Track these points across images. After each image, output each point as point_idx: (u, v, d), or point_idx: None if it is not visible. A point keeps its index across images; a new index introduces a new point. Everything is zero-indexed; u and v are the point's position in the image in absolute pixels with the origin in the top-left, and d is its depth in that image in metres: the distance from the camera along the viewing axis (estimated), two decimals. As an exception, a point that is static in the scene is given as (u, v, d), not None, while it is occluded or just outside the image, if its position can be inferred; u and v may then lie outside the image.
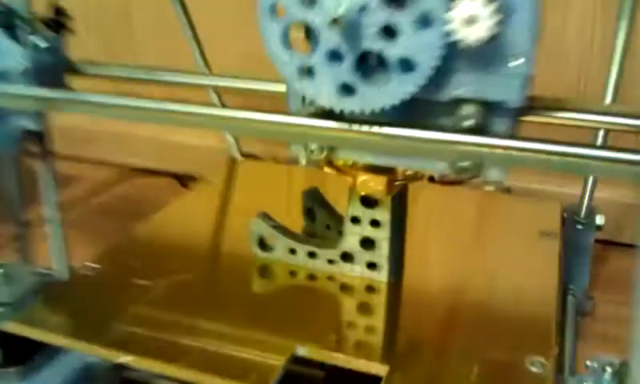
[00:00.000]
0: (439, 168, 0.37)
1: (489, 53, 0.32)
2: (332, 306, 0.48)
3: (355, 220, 0.49)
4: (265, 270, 0.52)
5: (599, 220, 0.64)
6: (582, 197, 0.64)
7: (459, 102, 0.34)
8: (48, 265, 0.55)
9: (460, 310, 0.48)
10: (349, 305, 0.48)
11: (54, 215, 0.55)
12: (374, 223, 0.49)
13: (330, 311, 0.48)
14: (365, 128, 0.36)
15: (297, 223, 0.56)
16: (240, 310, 0.47)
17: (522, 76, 0.33)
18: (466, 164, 0.35)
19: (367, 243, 0.49)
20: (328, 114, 0.37)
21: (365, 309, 0.48)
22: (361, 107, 0.35)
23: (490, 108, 0.34)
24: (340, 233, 0.53)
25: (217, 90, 0.67)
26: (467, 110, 0.34)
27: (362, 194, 0.45)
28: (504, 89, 0.33)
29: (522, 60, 0.32)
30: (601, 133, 0.59)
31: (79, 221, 0.86)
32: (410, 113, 0.36)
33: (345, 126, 0.36)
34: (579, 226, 0.64)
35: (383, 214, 0.48)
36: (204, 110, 0.41)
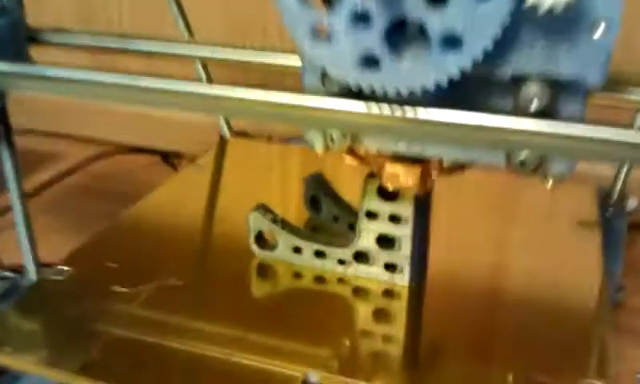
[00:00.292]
0: (493, 161, 0.30)
1: (563, 20, 0.25)
2: (344, 315, 0.42)
3: (372, 214, 0.42)
4: (264, 271, 0.45)
5: (632, 203, 0.60)
6: (616, 178, 0.58)
7: (521, 80, 0.28)
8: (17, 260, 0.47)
9: (496, 320, 0.41)
10: (364, 313, 0.42)
11: (18, 206, 0.47)
12: (394, 218, 0.42)
13: (342, 322, 0.41)
14: (399, 112, 0.29)
15: (298, 214, 0.49)
16: (236, 322, 0.40)
17: (605, 48, 0.26)
18: (525, 155, 0.28)
19: (386, 241, 0.42)
20: (354, 94, 0.30)
21: (383, 318, 0.41)
22: (395, 85, 0.28)
23: (559, 88, 0.27)
24: (350, 226, 0.46)
25: (204, 61, 0.59)
26: (530, 90, 0.28)
27: (389, 187, 0.38)
28: (581, 64, 0.26)
29: (605, 28, 0.25)
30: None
31: (55, 203, 0.78)
32: (456, 93, 0.29)
33: (374, 109, 0.29)
34: (611, 210, 0.58)
35: (405, 208, 0.41)
36: (191, 88, 0.33)
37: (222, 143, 0.66)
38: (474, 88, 0.29)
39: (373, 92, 0.29)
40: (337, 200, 0.49)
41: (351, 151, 0.37)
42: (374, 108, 0.30)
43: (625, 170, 0.57)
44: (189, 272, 0.45)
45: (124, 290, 0.42)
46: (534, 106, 0.28)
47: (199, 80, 0.61)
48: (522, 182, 0.58)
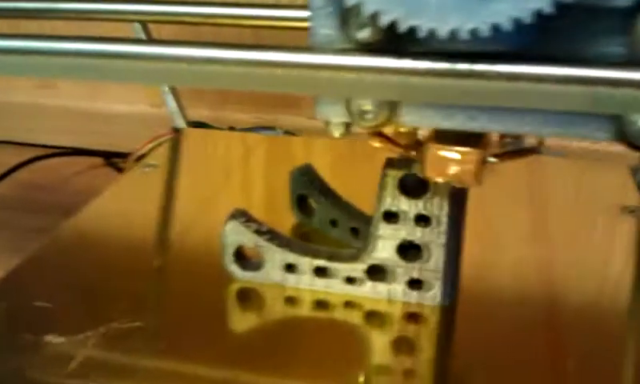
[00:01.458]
0: (596, 134, 0.22)
1: None
2: (356, 349, 0.32)
3: (392, 216, 0.32)
4: (248, 298, 0.35)
5: None
6: None
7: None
8: None
9: (552, 344, 0.31)
10: (382, 346, 0.32)
11: None
12: (422, 220, 0.31)
13: (353, 358, 0.31)
14: (464, 65, 0.20)
15: (281, 219, 0.40)
16: (216, 370, 0.30)
17: None
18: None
19: (410, 251, 0.32)
20: (394, 46, 0.20)
21: (407, 350, 0.32)
22: (455, 24, 0.19)
23: None
24: (353, 231, 0.36)
25: (145, 22, 0.47)
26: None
27: (438, 179, 0.27)
28: None
29: None
30: None
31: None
32: (544, 39, 0.21)
33: (431, 65, 0.19)
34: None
35: (437, 206, 0.31)
36: (141, 49, 0.23)
37: (177, 136, 0.55)
38: (567, 29, 0.21)
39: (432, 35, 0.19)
40: (333, 198, 0.38)
41: (378, 132, 0.26)
42: (428, 63, 0.20)
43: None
44: (148, 306, 0.34)
45: (60, 339, 0.31)
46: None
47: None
48: (549, 164, 0.50)
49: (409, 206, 0.31)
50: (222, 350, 0.31)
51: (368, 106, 0.23)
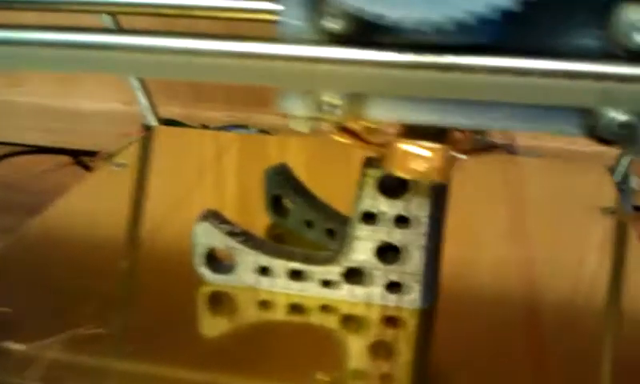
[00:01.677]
0: (567, 130, 0.22)
1: None
2: (332, 355, 0.31)
3: (369, 217, 0.30)
4: (219, 303, 0.33)
5: (634, 183, 0.53)
6: (621, 156, 0.51)
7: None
8: None
9: (536, 347, 0.31)
10: (359, 350, 0.31)
11: None
12: (401, 221, 0.30)
13: (330, 364, 0.30)
14: (431, 58, 0.20)
15: (254, 220, 0.38)
16: (186, 379, 0.28)
17: None
18: (627, 119, 0.20)
19: (389, 253, 0.31)
20: (362, 38, 0.20)
21: (386, 355, 0.30)
22: (423, 15, 0.18)
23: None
24: (329, 233, 0.34)
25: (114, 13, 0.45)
26: (631, 15, 0.19)
27: (400, 175, 0.26)
28: None
29: None
30: None
31: None
32: (515, 31, 0.20)
33: (399, 57, 0.20)
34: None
35: (417, 207, 0.30)
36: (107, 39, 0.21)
37: (148, 134, 0.53)
38: (541, 21, 0.20)
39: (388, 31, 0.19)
40: (309, 199, 0.37)
41: (343, 128, 0.25)
42: (398, 56, 0.19)
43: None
44: (115, 310, 0.32)
45: (21, 347, 0.29)
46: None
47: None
48: (527, 165, 0.49)
49: (388, 207, 0.30)
50: (191, 355, 0.30)
51: (335, 99, 0.22)
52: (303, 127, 0.24)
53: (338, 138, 0.26)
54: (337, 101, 0.23)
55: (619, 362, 0.30)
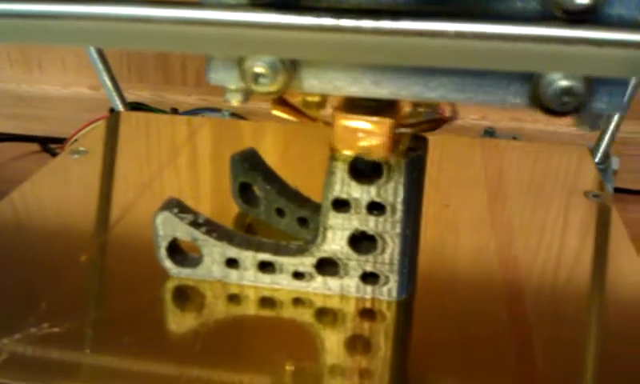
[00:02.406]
0: (510, 100, 0.21)
1: None
2: (306, 350, 0.29)
3: (342, 204, 0.29)
4: (185, 297, 0.31)
5: (615, 164, 0.52)
6: (601, 136, 0.50)
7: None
8: None
9: (517, 337, 0.29)
10: (334, 345, 0.29)
11: None
12: (375, 208, 0.28)
13: (304, 360, 0.28)
14: (366, 23, 0.19)
15: (222, 209, 0.37)
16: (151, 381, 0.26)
17: None
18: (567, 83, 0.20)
19: (363, 242, 0.29)
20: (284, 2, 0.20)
21: (363, 349, 0.29)
22: None
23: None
24: (302, 221, 0.33)
25: None
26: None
27: (348, 153, 0.25)
28: None
29: None
30: None
31: None
32: None
33: (325, 20, 0.19)
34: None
35: (392, 192, 0.28)
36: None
37: (114, 118, 0.51)
38: None
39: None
40: (279, 186, 0.35)
41: (281, 101, 0.24)
42: (325, 20, 0.20)
43: (612, 125, 0.48)
44: (71, 308, 0.30)
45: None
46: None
47: None
48: (507, 146, 0.48)
49: (360, 193, 0.28)
50: (156, 353, 0.28)
51: (261, 68, 0.21)
52: (235, 100, 0.22)
53: (275, 111, 0.25)
54: (261, 69, 0.21)
55: (603, 346, 0.29)
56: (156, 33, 0.19)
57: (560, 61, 0.19)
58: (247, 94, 0.22)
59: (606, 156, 0.51)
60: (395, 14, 0.19)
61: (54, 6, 0.20)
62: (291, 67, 0.22)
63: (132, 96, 0.57)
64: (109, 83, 0.52)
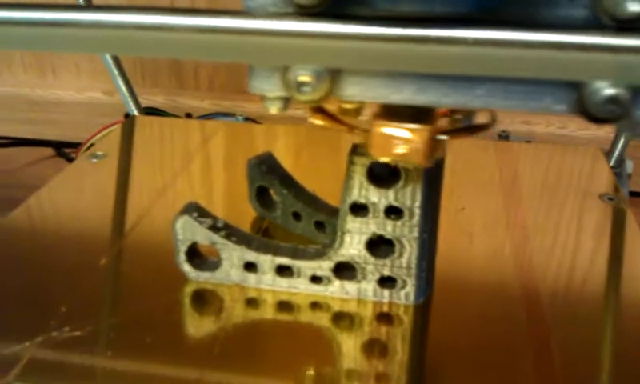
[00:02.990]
0: (555, 108, 0.21)
1: None
2: (324, 354, 0.29)
3: (360, 208, 0.29)
4: (204, 301, 0.31)
5: (629, 167, 0.53)
6: (616, 139, 0.51)
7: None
8: None
9: (537, 343, 0.29)
10: (352, 349, 0.29)
11: None
12: (393, 212, 0.28)
13: (321, 364, 0.28)
14: (408, 31, 0.19)
15: (239, 213, 0.37)
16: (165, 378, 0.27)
17: None
18: (614, 92, 0.19)
19: (381, 246, 0.29)
20: (333, 11, 0.20)
21: (380, 354, 0.29)
22: None
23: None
24: (319, 225, 0.33)
25: None
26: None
27: (381, 160, 0.25)
28: None
29: None
30: None
31: None
32: (501, 2, 0.20)
33: (371, 29, 0.19)
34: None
35: (410, 196, 0.28)
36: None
37: (129, 123, 0.51)
38: None
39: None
40: (296, 190, 0.35)
41: (319, 109, 0.24)
42: (375, 29, 0.19)
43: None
44: (91, 312, 0.31)
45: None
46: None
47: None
48: (522, 149, 0.48)
49: (378, 197, 0.28)
50: (175, 356, 0.28)
51: (306, 76, 0.21)
52: (274, 109, 0.22)
53: (312, 120, 0.25)
54: (306, 78, 0.21)
55: (620, 348, 0.29)
56: (209, 43, 0.19)
57: (609, 69, 0.19)
58: (287, 102, 0.22)
59: (621, 160, 0.51)
60: (446, 22, 0.19)
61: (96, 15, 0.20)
62: (332, 76, 0.22)
63: (146, 101, 0.57)
64: (124, 88, 0.53)
